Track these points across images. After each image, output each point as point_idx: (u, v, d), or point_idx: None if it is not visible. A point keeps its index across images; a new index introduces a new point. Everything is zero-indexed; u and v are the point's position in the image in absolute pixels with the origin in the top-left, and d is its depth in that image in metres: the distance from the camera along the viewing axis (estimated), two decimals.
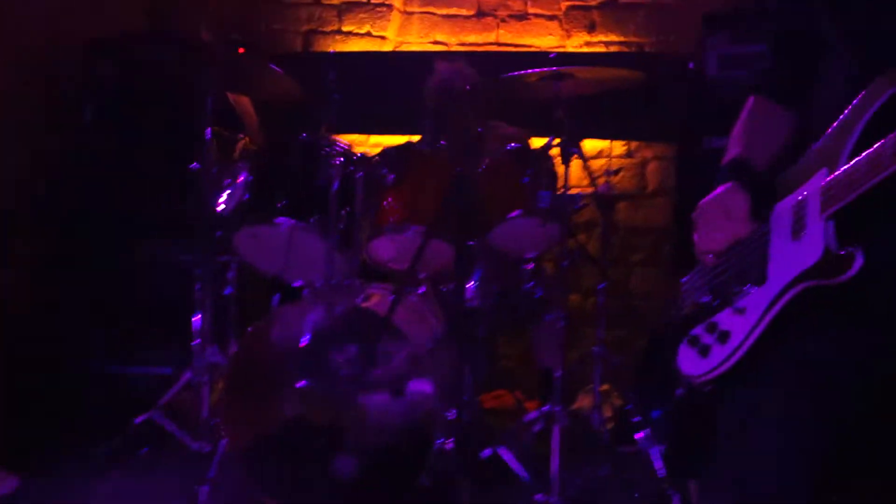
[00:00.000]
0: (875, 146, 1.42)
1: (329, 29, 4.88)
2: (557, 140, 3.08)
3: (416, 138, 3.73)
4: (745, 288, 1.62)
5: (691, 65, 3.99)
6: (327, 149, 3.02)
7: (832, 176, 1.50)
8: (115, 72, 4.11)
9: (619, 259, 4.58)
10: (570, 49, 4.65)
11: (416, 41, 4.85)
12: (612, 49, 4.62)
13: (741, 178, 1.69)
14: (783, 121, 1.79)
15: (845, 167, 1.47)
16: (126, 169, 4.05)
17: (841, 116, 1.53)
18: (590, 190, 3.23)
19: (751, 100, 1.83)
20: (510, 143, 3.30)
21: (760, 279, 1.60)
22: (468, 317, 3.31)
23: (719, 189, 1.69)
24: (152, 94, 4.05)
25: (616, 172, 4.00)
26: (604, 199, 3.63)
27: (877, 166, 1.39)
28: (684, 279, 1.80)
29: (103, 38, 4.10)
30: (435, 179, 3.11)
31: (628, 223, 4.63)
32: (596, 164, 4.55)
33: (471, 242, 3.22)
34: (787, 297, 1.52)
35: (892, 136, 1.40)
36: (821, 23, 1.65)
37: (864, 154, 1.44)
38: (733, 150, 1.78)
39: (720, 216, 1.67)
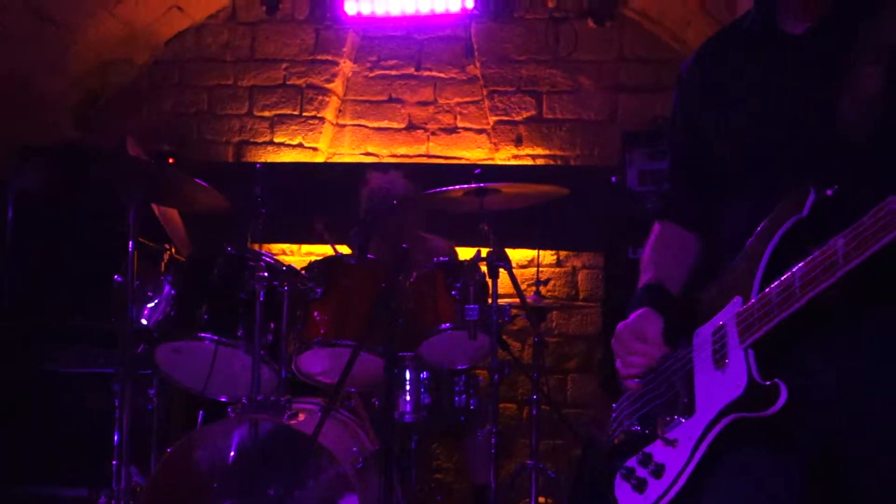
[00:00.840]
0: (784, 277, 1.45)
1: (261, 140, 4.92)
2: (485, 252, 3.11)
3: (346, 250, 3.73)
4: (674, 419, 1.62)
5: (613, 178, 4.12)
6: (253, 261, 2.98)
7: (746, 305, 1.53)
8: (42, 179, 4.06)
9: (553, 368, 4.59)
10: (499, 161, 4.76)
11: (348, 152, 4.92)
12: (539, 161, 4.75)
13: (654, 303, 1.72)
14: (690, 243, 1.82)
15: (758, 297, 1.50)
16: (49, 276, 3.96)
17: (749, 241, 1.56)
18: (520, 300, 3.24)
19: (657, 226, 1.86)
20: (439, 255, 3.32)
21: (689, 410, 1.59)
22: (400, 430, 3.25)
23: (634, 314, 1.71)
24: (78, 203, 4.00)
25: (546, 282, 4.06)
26: (534, 309, 3.65)
27: (788, 298, 1.43)
28: (614, 405, 1.79)
29: (32, 146, 4.07)
30: (364, 292, 3.10)
31: (561, 331, 4.66)
32: (526, 274, 4.61)
33: (401, 355, 3.20)
34: (716, 429, 1.52)
35: (798, 267, 1.43)
36: (719, 148, 1.70)
37: (774, 284, 1.47)
38: (646, 274, 1.81)
39: (636, 341, 1.68)
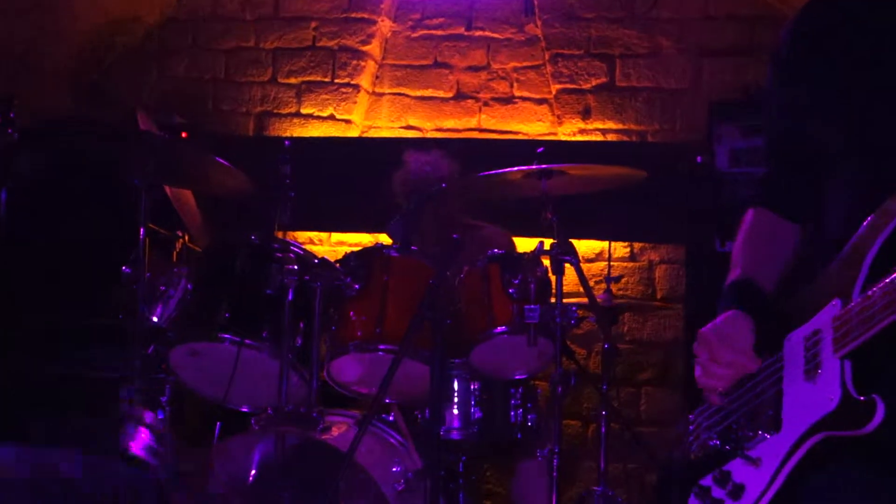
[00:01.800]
0: (890, 278, 1.47)
1: (286, 111, 5.01)
2: (548, 243, 3.15)
3: (385, 239, 3.80)
4: (757, 434, 1.64)
5: (699, 158, 4.12)
6: (281, 252, 3.06)
7: (845, 309, 1.55)
8: (37, 162, 4.17)
9: (625, 379, 4.62)
10: (563, 137, 4.79)
11: (387, 126, 4.98)
12: (610, 137, 4.77)
13: (745, 304, 1.74)
14: (788, 235, 1.85)
15: (859, 300, 1.52)
16: (47, 270, 4.06)
17: (852, 238, 1.58)
18: (588, 300, 3.28)
19: (750, 213, 1.88)
20: (493, 247, 3.37)
21: (775, 425, 1.62)
22: (446, 450, 3.31)
23: (721, 317, 1.74)
24: (79, 187, 4.09)
25: (617, 279, 4.08)
26: (604, 310, 3.68)
27: (892, 302, 1.44)
28: (692, 415, 1.82)
29: (29, 128, 4.16)
30: (407, 290, 3.16)
31: (635, 337, 4.69)
32: (594, 269, 4.64)
33: (449, 362, 3.25)
34: (805, 447, 1.55)
35: None
36: (823, 132, 1.71)
37: (878, 286, 1.48)
38: (735, 270, 1.82)
39: (722, 348, 1.70)
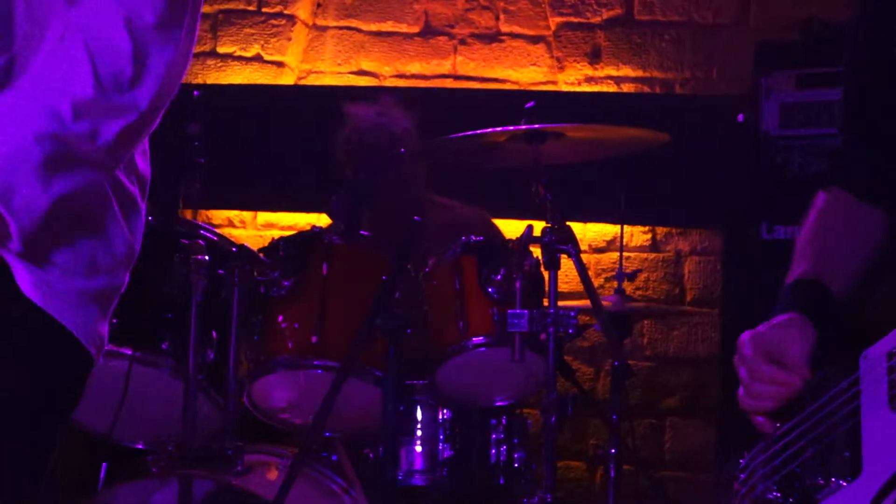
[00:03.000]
0: None
1: (197, 50, 5.00)
2: (540, 228, 3.18)
3: (326, 221, 3.81)
4: (830, 482, 1.65)
5: (741, 116, 4.16)
6: (187, 238, 3.07)
7: None
8: None
9: (644, 406, 4.66)
10: (564, 87, 4.82)
11: (332, 71, 4.99)
12: (626, 88, 4.80)
13: (806, 307, 1.76)
14: (871, 223, 1.87)
15: None
16: None
17: None
18: (592, 303, 3.31)
19: (820, 196, 1.90)
20: (468, 233, 3.39)
21: (852, 470, 1.63)
22: (405, 498, 3.33)
23: (776, 319, 1.76)
24: None
25: (634, 275, 4.10)
26: (615, 316, 3.71)
27: None
28: (743, 459, 1.83)
29: None
30: (353, 288, 3.18)
31: (657, 351, 4.74)
32: (603, 262, 4.68)
33: (409, 384, 3.28)
34: (893, 497, 1.58)
35: None
36: None
37: None
38: (800, 265, 1.84)
39: (762, 360, 1.73)
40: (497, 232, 3.96)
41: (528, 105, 3.33)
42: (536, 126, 3.29)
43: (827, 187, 1.91)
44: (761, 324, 1.76)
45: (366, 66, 4.98)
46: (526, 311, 3.09)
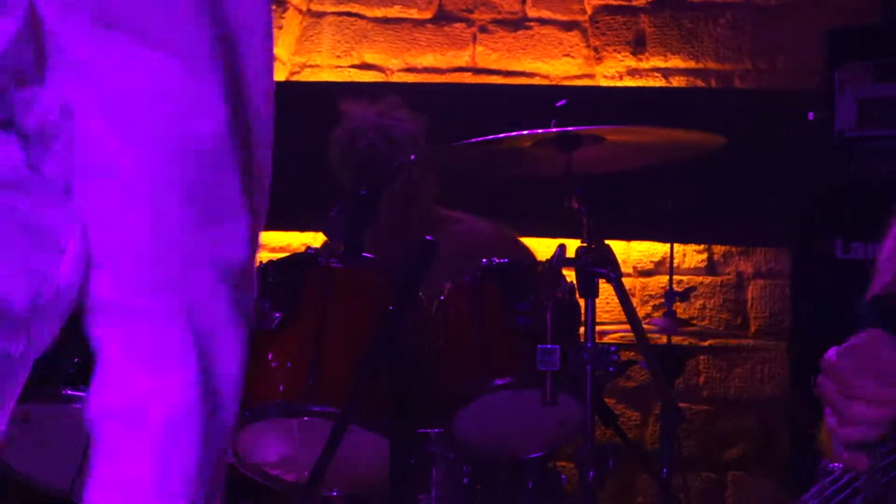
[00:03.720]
0: None
1: None
2: (574, 247, 3.18)
3: (323, 241, 3.81)
4: None
5: (811, 115, 4.16)
6: None
7: None
8: None
9: (700, 458, 4.65)
10: (602, 81, 4.83)
11: (330, 64, 5.01)
12: (675, 82, 4.81)
13: (889, 323, 1.79)
14: None
15: None
16: None
17: None
18: (635, 335, 3.30)
19: None
20: (489, 254, 3.39)
21: None
22: None
23: (858, 337, 1.79)
24: None
25: (687, 294, 4.08)
26: (666, 351, 3.70)
27: None
28: (806, 496, 1.84)
29: None
30: (355, 321, 3.18)
31: (715, 391, 4.73)
32: (651, 287, 4.69)
33: (422, 432, 3.27)
34: None
35: None
36: None
37: None
38: (881, 278, 1.90)
39: (863, 376, 1.74)
40: (524, 253, 3.96)
41: (560, 103, 3.33)
42: (570, 128, 3.29)
43: None
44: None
45: (369, 58, 5.00)
46: (558, 347, 3.08)
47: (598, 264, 3.17)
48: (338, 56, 5.02)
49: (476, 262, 3.33)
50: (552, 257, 3.25)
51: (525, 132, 3.31)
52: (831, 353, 1.76)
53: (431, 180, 3.95)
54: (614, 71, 4.84)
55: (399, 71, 4.98)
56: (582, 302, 3.20)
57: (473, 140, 3.36)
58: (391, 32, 5.00)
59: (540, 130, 3.30)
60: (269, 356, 3.21)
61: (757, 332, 4.74)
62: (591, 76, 4.85)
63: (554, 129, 3.28)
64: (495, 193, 4.03)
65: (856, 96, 4.10)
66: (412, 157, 3.60)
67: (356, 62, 5.00)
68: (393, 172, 3.56)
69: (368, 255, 3.31)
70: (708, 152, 3.53)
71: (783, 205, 4.36)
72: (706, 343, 4.55)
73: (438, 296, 3.31)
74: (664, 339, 3.99)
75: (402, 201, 3.81)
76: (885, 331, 1.78)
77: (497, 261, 3.34)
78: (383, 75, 4.98)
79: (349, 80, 4.96)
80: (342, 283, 3.26)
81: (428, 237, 2.98)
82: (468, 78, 4.93)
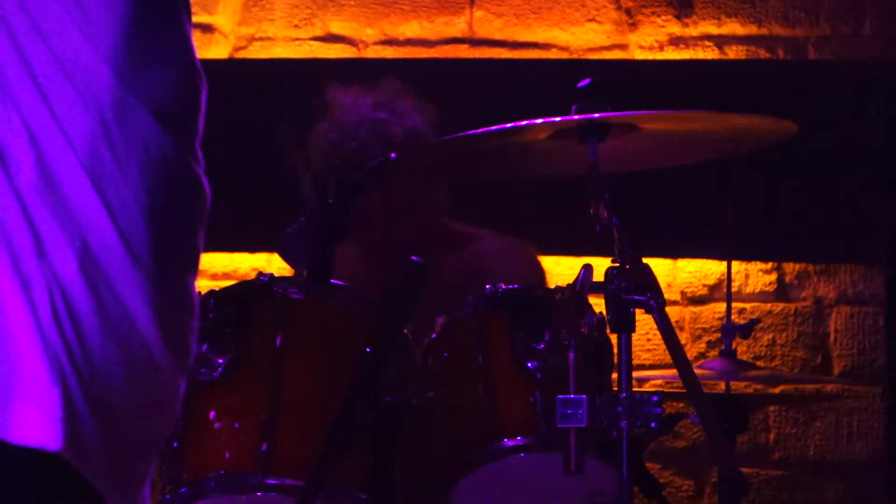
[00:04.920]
0: None
1: None
2: (604, 268, 3.19)
3: (280, 265, 3.83)
4: None
5: None
6: None
7: None
8: None
9: None
10: (637, 54, 4.86)
11: (285, 36, 5.01)
12: (731, 53, 4.83)
13: None
14: None
15: None
16: None
17: None
18: (684, 381, 3.32)
19: None
20: (496, 278, 3.41)
21: None
22: None
23: None
24: None
25: (750, 328, 4.09)
26: (725, 400, 3.72)
27: None
28: None
29: None
30: (321, 366, 3.20)
31: (790, 450, 4.75)
32: (704, 319, 4.71)
33: None
34: None
35: None
36: None
37: None
38: None
39: None
40: (539, 275, 3.99)
41: (583, 83, 3.35)
42: (596, 115, 3.31)
43: None
44: None
45: (337, 28, 5.01)
46: (584, 397, 3.10)
47: (634, 290, 3.18)
48: (296, 26, 5.03)
49: (479, 289, 3.36)
50: (575, 282, 3.27)
51: (539, 121, 3.33)
52: None
53: (432, 186, 3.98)
54: (653, 40, 4.86)
55: (375, 44, 4.99)
56: (614, 339, 3.22)
57: (471, 132, 3.39)
58: None
59: (558, 118, 3.31)
60: (211, 415, 3.23)
61: (842, 374, 4.76)
62: (623, 47, 4.87)
63: (576, 117, 3.30)
64: (499, 201, 4.04)
65: None
66: (392, 155, 3.61)
67: (319, 33, 5.02)
68: (370, 176, 3.57)
69: (338, 283, 3.33)
70: (776, 143, 3.56)
71: (875, 210, 4.38)
72: (777, 390, 4.57)
73: (429, 334, 3.34)
74: (722, 386, 4.00)
75: (384, 213, 3.83)
76: None
77: (504, 287, 3.36)
78: (355, 50, 4.99)
79: (311, 56, 4.96)
80: (304, 318, 3.28)
81: (415, 258, 3.00)
82: (464, 52, 4.94)
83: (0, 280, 1.84)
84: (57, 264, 1.83)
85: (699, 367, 3.73)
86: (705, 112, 3.47)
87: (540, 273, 4.00)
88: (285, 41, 5.03)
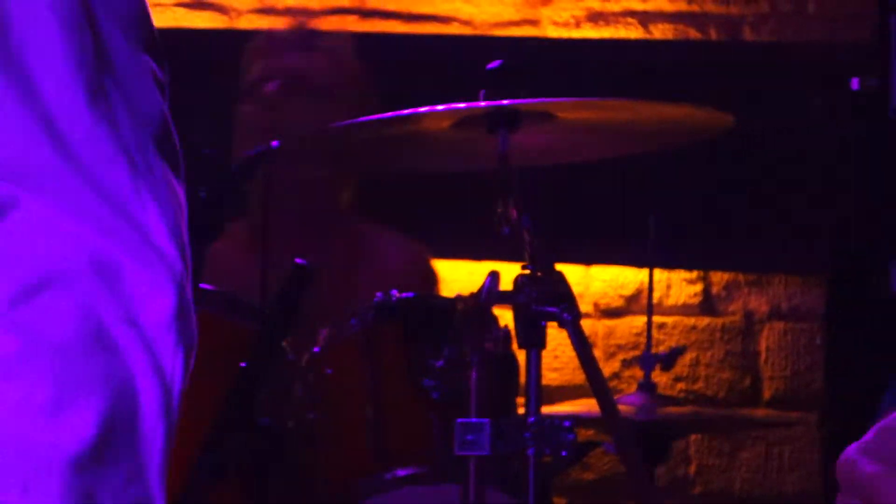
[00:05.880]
0: None
1: None
2: (513, 273, 3.20)
3: None
4: None
5: (856, 82, 4.21)
6: None
7: None
8: None
9: None
10: (552, 31, 4.86)
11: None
12: (658, 33, 4.87)
13: None
14: None
15: None
16: None
17: None
18: (601, 405, 3.34)
19: None
20: (390, 284, 3.42)
21: None
22: None
23: (883, 423, 1.88)
24: None
25: (673, 357, 4.12)
26: (644, 428, 3.74)
27: None
28: None
29: None
30: (192, 386, 3.18)
31: (710, 488, 4.79)
32: (620, 333, 4.75)
33: None
34: None
35: None
36: None
37: None
38: None
39: (885, 472, 1.84)
40: (433, 280, 3.99)
41: (493, 65, 3.35)
42: (504, 102, 3.32)
43: None
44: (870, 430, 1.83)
45: None
46: (487, 421, 3.11)
47: (545, 301, 3.20)
48: None
49: (368, 298, 3.36)
50: (480, 290, 3.27)
51: (440, 108, 3.34)
52: (850, 450, 1.82)
53: (321, 176, 3.98)
54: (569, 15, 4.88)
55: (250, 13, 4.99)
56: (522, 355, 3.23)
57: (360, 119, 3.38)
58: None
59: (462, 105, 3.33)
60: None
61: (774, 399, 4.81)
62: (534, 23, 4.89)
63: (482, 104, 3.30)
64: (394, 197, 4.05)
65: None
66: (274, 143, 3.61)
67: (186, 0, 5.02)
68: (248, 166, 3.56)
69: (208, 287, 3.32)
70: (706, 137, 3.58)
71: (814, 214, 4.41)
72: (701, 416, 4.59)
73: (311, 347, 3.33)
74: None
75: (263, 203, 3.83)
76: None
77: (398, 296, 3.36)
78: (226, 19, 4.98)
79: (174, 25, 4.95)
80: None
81: (299, 260, 2.99)
82: (353, 24, 4.95)
83: None
84: None
85: (619, 394, 3.75)
86: (631, 101, 3.48)
87: (433, 280, 4.01)
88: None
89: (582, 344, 3.24)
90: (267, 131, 3.80)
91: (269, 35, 4.15)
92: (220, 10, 5.01)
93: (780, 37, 4.81)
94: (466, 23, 4.92)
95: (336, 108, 3.86)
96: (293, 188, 3.95)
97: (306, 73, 3.98)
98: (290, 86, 3.95)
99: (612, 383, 3.87)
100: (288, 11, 4.97)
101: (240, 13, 4.99)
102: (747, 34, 4.84)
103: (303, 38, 4.11)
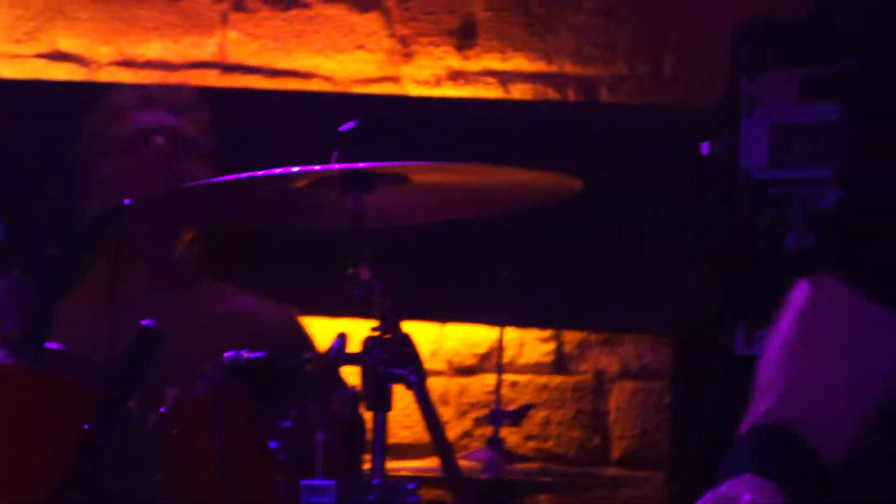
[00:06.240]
0: None
1: None
2: (364, 333, 3.20)
3: None
4: None
5: (706, 146, 4.24)
6: None
7: None
8: None
9: None
10: (412, 88, 4.88)
11: (4, 52, 4.94)
12: (517, 92, 4.89)
13: (770, 465, 1.89)
14: (885, 336, 2.02)
15: None
16: None
17: None
18: (445, 465, 3.35)
19: (803, 287, 2.05)
20: (244, 344, 3.42)
21: None
22: None
23: (723, 487, 1.86)
24: None
25: (521, 414, 4.13)
26: (491, 487, 3.75)
27: None
28: None
29: None
30: (25, 447, 3.15)
31: None
32: (471, 392, 4.75)
33: None
34: None
35: None
36: None
37: None
38: (763, 400, 2.00)
39: None
40: (307, 343, 3.99)
41: (346, 127, 3.35)
42: (360, 165, 3.33)
43: (814, 274, 2.05)
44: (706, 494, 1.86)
45: (66, 44, 4.98)
46: (333, 483, 3.12)
47: (393, 363, 3.21)
48: (17, 41, 4.98)
49: (215, 358, 3.35)
50: (328, 351, 3.28)
51: (294, 169, 3.33)
52: None
53: (175, 235, 3.99)
54: (429, 73, 4.89)
55: (110, 65, 4.96)
56: (369, 417, 3.24)
57: (214, 179, 3.38)
58: (101, 6, 4.99)
59: (317, 167, 3.32)
60: None
61: (622, 458, 4.83)
62: (395, 80, 4.90)
63: (337, 166, 3.30)
64: (245, 256, 4.04)
65: (770, 120, 4.17)
66: (126, 201, 3.60)
67: (45, 50, 4.98)
68: (100, 223, 3.54)
69: (54, 346, 3.29)
70: (556, 200, 3.59)
71: (662, 276, 4.44)
72: (549, 476, 4.59)
73: (157, 408, 3.31)
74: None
75: (114, 261, 3.81)
76: (762, 477, 1.86)
77: (247, 355, 3.36)
78: (86, 71, 4.96)
79: (33, 76, 4.92)
80: (11, 391, 3.24)
81: (147, 322, 2.98)
82: (214, 78, 4.94)
83: None
84: None
85: (462, 457, 3.75)
86: (482, 165, 3.48)
87: (306, 339, 4.01)
88: (4, 58, 4.97)
89: (427, 406, 3.25)
90: (160, 181, 3.83)
91: (142, 90, 4.12)
92: (80, 62, 4.98)
93: (636, 99, 4.84)
94: (328, 79, 4.93)
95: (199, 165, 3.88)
96: (145, 246, 3.94)
97: (183, 131, 3.98)
98: (173, 141, 3.96)
99: (464, 442, 3.88)
100: (149, 64, 4.95)
101: (100, 65, 4.97)
102: (604, 95, 4.87)
103: (175, 96, 4.10)
